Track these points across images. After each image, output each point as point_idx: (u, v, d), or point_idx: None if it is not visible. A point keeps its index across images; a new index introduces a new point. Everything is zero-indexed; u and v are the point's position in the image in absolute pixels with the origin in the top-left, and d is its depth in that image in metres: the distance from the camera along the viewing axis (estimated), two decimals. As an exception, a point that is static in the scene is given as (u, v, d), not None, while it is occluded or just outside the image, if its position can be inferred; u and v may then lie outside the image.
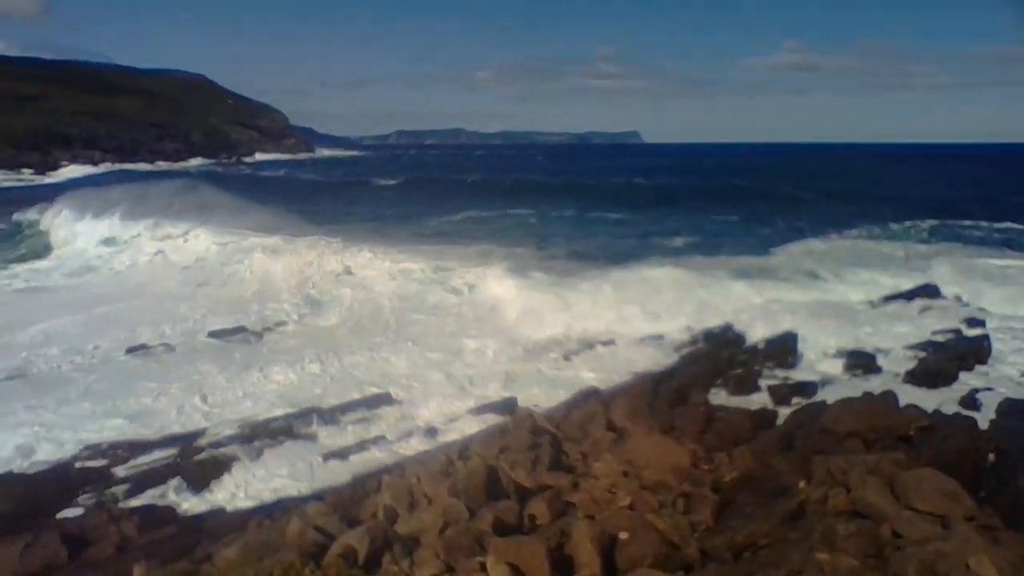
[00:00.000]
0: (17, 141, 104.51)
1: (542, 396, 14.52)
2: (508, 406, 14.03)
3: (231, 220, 33.48)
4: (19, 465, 12.55)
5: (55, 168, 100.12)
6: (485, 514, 7.59)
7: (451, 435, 12.96)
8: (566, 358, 17.11)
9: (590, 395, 12.38)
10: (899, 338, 16.37)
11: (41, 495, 11.60)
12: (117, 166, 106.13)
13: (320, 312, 22.55)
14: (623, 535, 7.26)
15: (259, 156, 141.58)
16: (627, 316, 18.93)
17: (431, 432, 13.73)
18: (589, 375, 15.57)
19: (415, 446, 12.98)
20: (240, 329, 20.60)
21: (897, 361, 15.36)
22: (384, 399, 15.23)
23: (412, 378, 16.32)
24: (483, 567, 6.70)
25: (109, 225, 35.04)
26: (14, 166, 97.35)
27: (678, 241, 32.00)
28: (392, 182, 72.48)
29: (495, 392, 15.07)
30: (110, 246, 33.35)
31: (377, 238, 29.95)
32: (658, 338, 17.91)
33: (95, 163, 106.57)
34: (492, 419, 12.92)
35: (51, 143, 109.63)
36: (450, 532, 7.32)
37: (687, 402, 11.74)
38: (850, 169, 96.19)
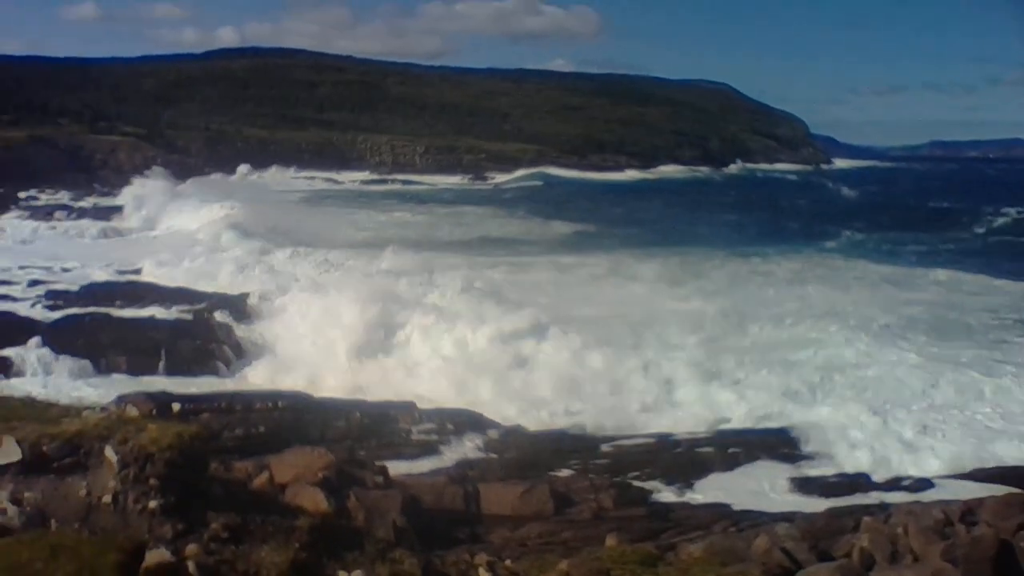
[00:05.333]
0: (561, 145, 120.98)
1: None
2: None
3: None
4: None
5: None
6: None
7: (948, 492, 11.29)
8: None
9: None
10: None
11: (539, 451, 13.23)
12: (639, 172, 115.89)
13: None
14: None
15: (763, 164, 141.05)
16: None
17: (923, 483, 12.16)
18: None
19: (903, 494, 11.62)
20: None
21: None
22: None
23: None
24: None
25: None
26: (576, 166, 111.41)
27: None
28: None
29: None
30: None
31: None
32: None
33: (621, 168, 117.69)
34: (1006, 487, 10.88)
35: (588, 148, 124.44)
36: (939, 602, 6.32)
37: None
38: None
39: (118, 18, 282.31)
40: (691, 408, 15.23)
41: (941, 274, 28.73)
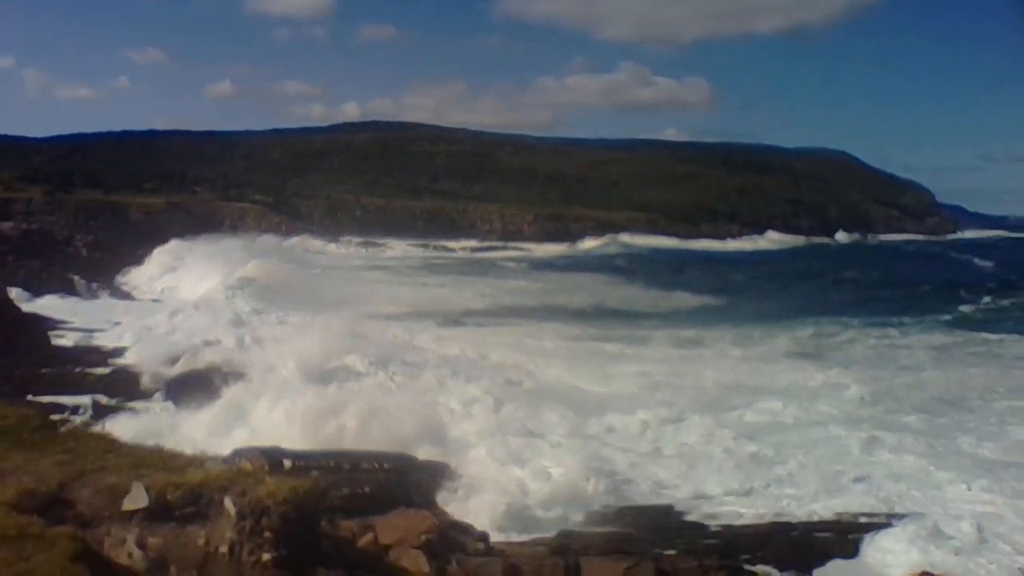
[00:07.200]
0: (672, 214, 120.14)
1: None
2: None
3: None
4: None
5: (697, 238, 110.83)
6: None
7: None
8: None
9: None
10: None
11: (645, 527, 12.79)
12: (748, 242, 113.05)
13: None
14: None
15: (882, 237, 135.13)
16: None
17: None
18: None
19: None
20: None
21: None
22: None
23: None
24: None
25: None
26: (686, 235, 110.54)
27: None
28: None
29: None
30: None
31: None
32: None
33: (732, 236, 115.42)
34: None
35: (699, 216, 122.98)
36: None
37: None
38: None
39: (252, 94, 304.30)
40: (809, 488, 14.44)
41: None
